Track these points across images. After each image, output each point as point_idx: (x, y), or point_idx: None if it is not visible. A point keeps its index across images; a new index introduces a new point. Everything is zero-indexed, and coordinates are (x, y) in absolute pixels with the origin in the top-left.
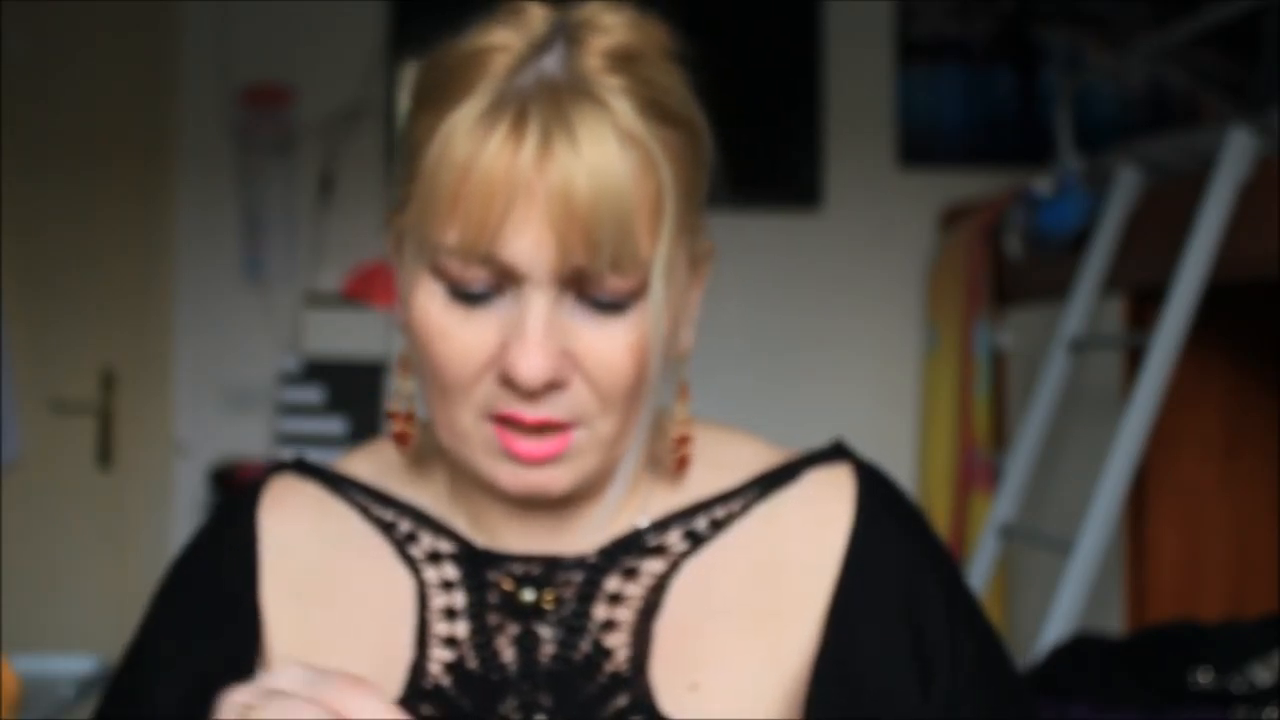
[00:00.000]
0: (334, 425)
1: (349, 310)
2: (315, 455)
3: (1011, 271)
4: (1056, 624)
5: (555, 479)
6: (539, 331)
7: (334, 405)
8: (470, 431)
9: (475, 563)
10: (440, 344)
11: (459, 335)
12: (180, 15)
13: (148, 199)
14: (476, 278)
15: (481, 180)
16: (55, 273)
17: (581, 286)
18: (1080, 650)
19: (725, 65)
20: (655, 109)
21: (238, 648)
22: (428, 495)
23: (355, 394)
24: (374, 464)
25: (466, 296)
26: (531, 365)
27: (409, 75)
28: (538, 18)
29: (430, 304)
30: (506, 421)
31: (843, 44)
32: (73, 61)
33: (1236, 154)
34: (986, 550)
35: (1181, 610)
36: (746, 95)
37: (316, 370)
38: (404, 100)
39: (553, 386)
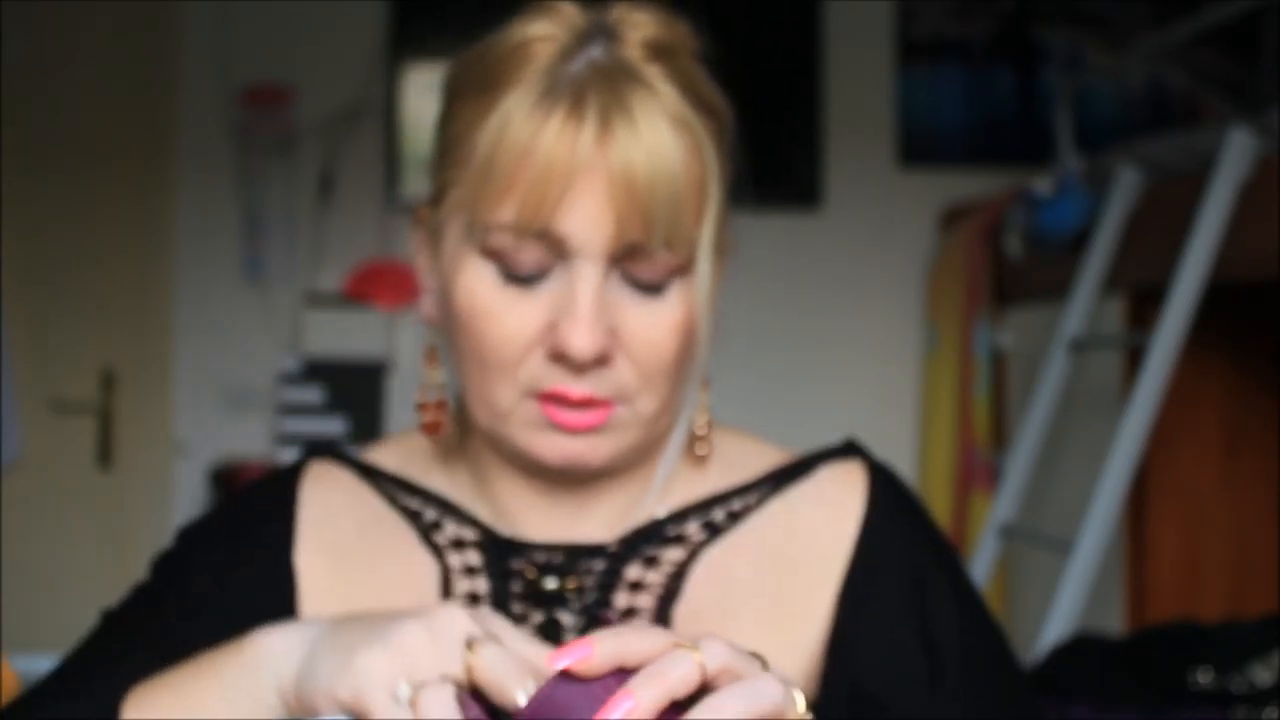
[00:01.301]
0: (334, 425)
1: (349, 310)
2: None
3: (1011, 271)
4: (1056, 624)
5: (595, 449)
6: (591, 306)
7: (334, 405)
8: (512, 409)
9: (498, 551)
10: (488, 323)
11: (508, 314)
12: (180, 15)
13: (148, 199)
14: (530, 256)
15: (543, 160)
16: (55, 273)
17: (629, 265)
18: (1080, 650)
19: (725, 65)
20: (695, 97)
21: (274, 601)
22: (451, 485)
23: (355, 394)
24: (399, 455)
25: (518, 279)
26: (583, 339)
27: (420, 76)
28: (573, 13)
29: (479, 285)
30: (551, 398)
31: (843, 44)
32: (73, 61)
33: (1236, 154)
34: (986, 550)
35: (1181, 610)
36: (746, 95)
37: (316, 370)
38: (415, 100)
39: (600, 362)
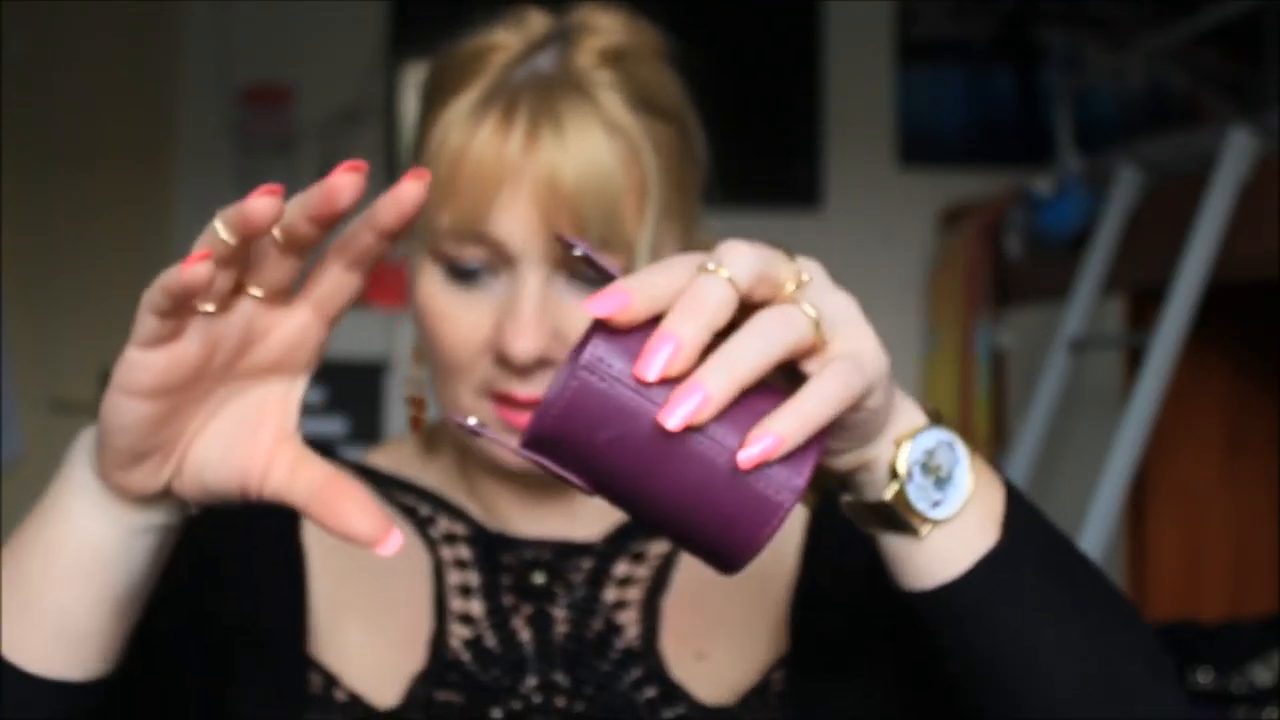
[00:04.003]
0: (334, 425)
1: (349, 310)
2: None
3: (1011, 271)
4: None
5: None
6: (531, 310)
7: (334, 405)
8: (471, 410)
9: (488, 546)
10: (440, 325)
11: (457, 316)
12: (180, 15)
13: (147, 199)
14: (472, 260)
15: (473, 165)
16: (55, 273)
17: (572, 267)
18: None
19: (725, 65)
20: (644, 103)
21: (285, 575)
22: (443, 482)
23: (355, 394)
24: (394, 457)
25: (462, 275)
26: (523, 341)
27: (419, 76)
28: (538, 21)
29: (430, 287)
30: (503, 399)
31: (843, 44)
32: (73, 61)
33: (1236, 154)
34: None
35: (1181, 610)
36: (746, 95)
37: (317, 370)
38: (414, 100)
39: (544, 364)
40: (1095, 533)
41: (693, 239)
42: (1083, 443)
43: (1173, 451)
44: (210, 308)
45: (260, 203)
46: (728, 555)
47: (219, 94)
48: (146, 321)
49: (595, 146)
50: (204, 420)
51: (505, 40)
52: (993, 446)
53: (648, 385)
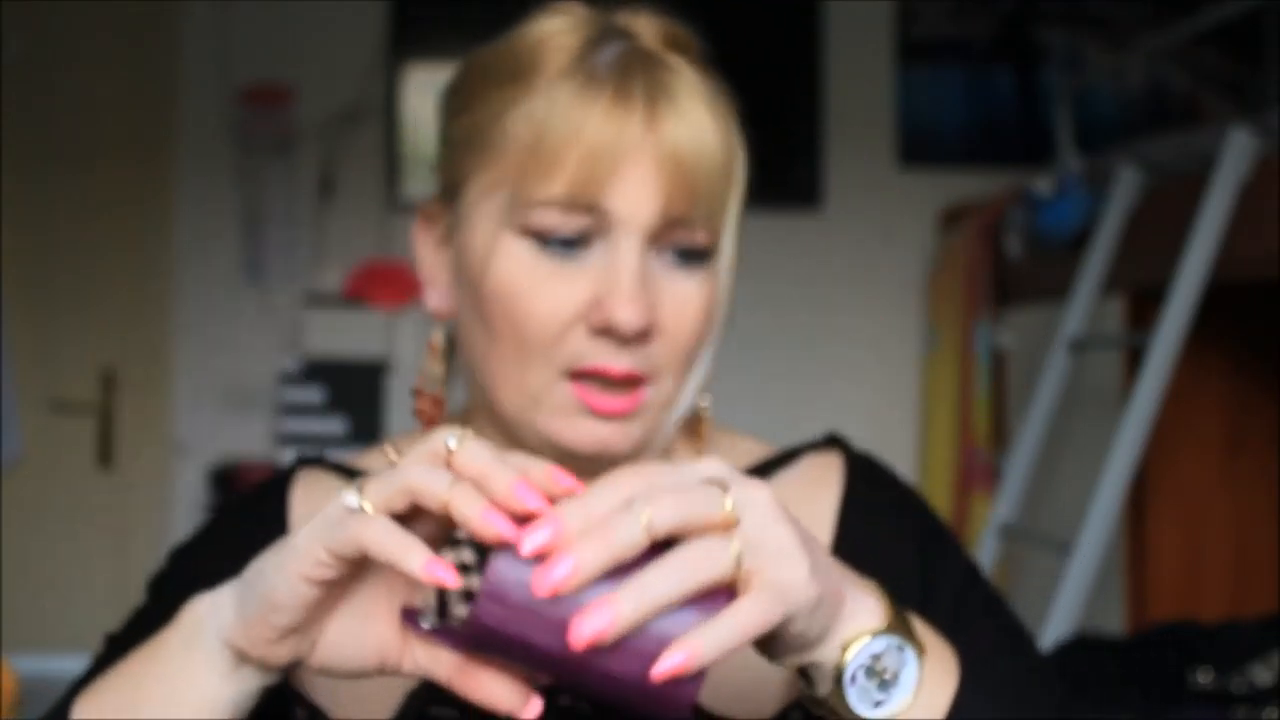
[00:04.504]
0: (334, 425)
1: (349, 310)
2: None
3: (1011, 271)
4: (1056, 624)
5: (626, 435)
6: (637, 278)
7: (334, 405)
8: (543, 392)
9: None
10: (530, 301)
11: (552, 289)
12: (180, 15)
13: (148, 199)
14: (572, 232)
15: (592, 139)
16: (55, 273)
17: (666, 240)
18: (1080, 650)
19: (725, 65)
20: (715, 85)
21: None
22: None
23: (355, 394)
24: (386, 460)
25: (563, 244)
26: (631, 311)
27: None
28: (585, 13)
29: (515, 264)
30: (591, 376)
31: (843, 44)
32: (73, 61)
33: (1236, 154)
34: (986, 550)
35: (1181, 610)
36: (746, 95)
37: (316, 370)
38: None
39: (642, 337)
40: (1095, 533)
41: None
42: (1083, 443)
43: (1173, 451)
44: None
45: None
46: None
47: (219, 94)
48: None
49: (706, 123)
50: (341, 598)
51: (568, 27)
52: (993, 446)
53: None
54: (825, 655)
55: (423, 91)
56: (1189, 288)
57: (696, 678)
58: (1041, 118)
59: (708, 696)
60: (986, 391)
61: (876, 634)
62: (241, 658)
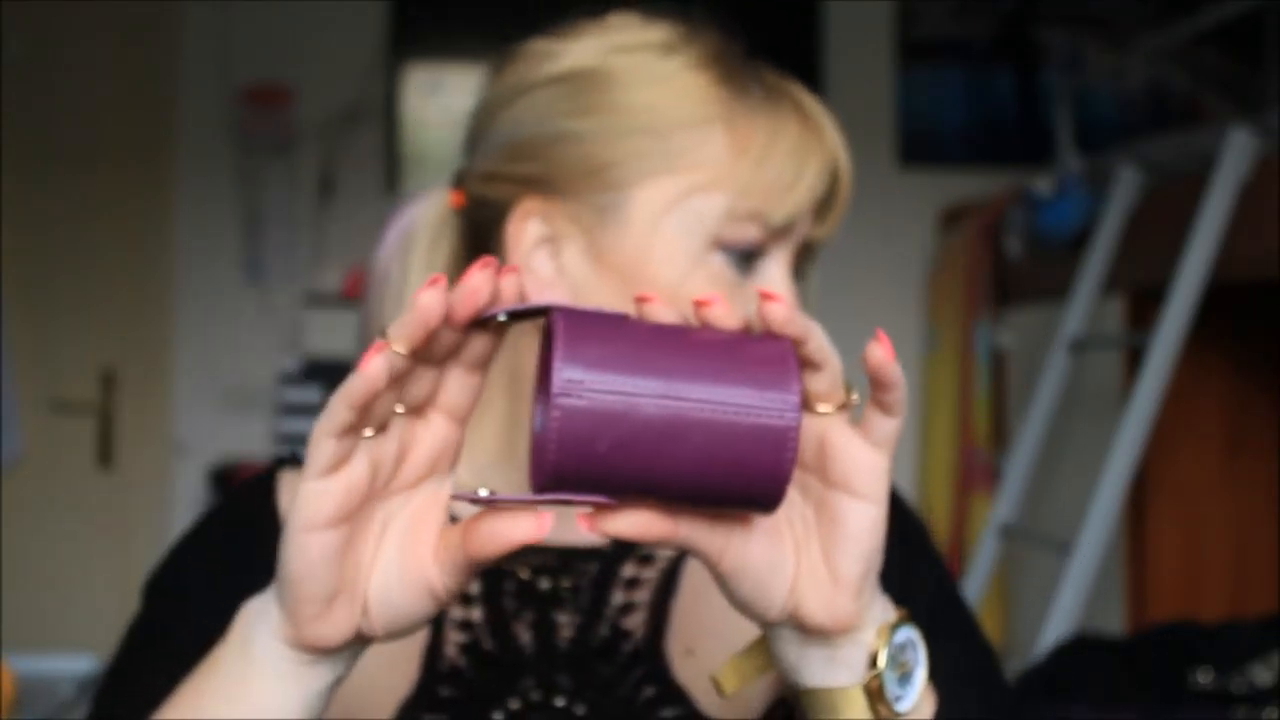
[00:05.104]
0: None
1: (349, 310)
2: None
3: (1011, 271)
4: (1056, 624)
5: None
6: (790, 287)
7: None
8: None
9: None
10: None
11: (743, 304)
12: (180, 15)
13: (148, 199)
14: (753, 238)
15: (786, 149)
16: (55, 273)
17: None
18: (1080, 650)
19: None
20: None
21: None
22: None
23: None
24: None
25: (747, 258)
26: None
27: (420, 76)
28: (653, 23)
29: (714, 279)
30: None
31: (843, 44)
32: (73, 61)
33: (1236, 154)
34: (986, 550)
35: (1181, 610)
36: None
37: (316, 370)
38: (415, 99)
39: None
40: (1095, 533)
41: None
42: (1083, 443)
43: (1173, 451)
44: (370, 433)
45: (430, 297)
46: (762, 497)
47: (219, 94)
48: (324, 447)
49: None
50: (374, 550)
51: (684, 36)
52: (993, 446)
53: (624, 381)
54: (862, 638)
55: (423, 91)
56: (1189, 288)
57: (781, 397)
58: (1041, 118)
59: (697, 692)
60: (986, 391)
61: (901, 624)
62: (301, 650)
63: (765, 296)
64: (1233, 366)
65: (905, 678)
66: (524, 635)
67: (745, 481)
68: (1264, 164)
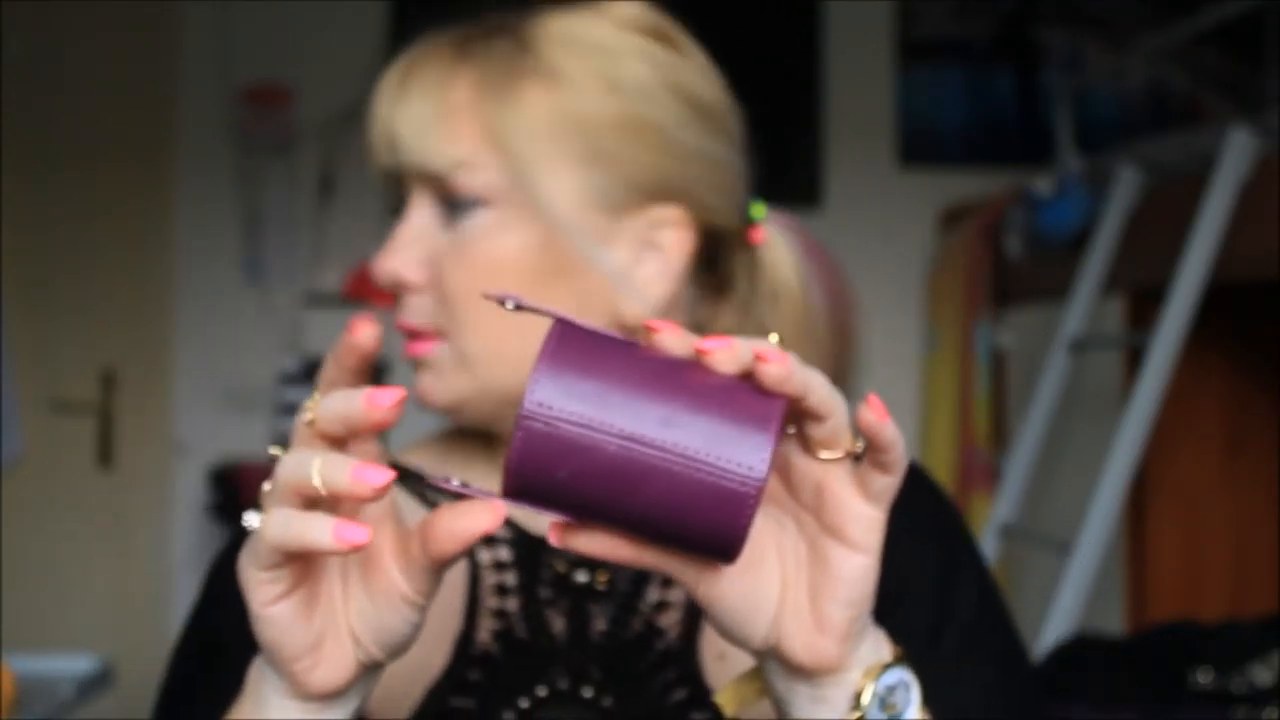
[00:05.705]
0: None
1: (349, 310)
2: None
3: (1011, 271)
4: (1056, 624)
5: (429, 387)
6: (401, 234)
7: None
8: None
9: (529, 548)
10: None
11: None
12: (180, 15)
13: (148, 199)
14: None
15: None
16: (55, 273)
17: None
18: (1080, 650)
19: (725, 65)
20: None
21: None
22: (488, 480)
23: None
24: (434, 453)
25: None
26: (378, 264)
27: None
28: None
29: None
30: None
31: (843, 44)
32: (73, 62)
33: (1236, 154)
34: (986, 550)
35: (1181, 610)
36: (746, 95)
37: (316, 370)
38: None
39: (402, 288)
40: (1095, 533)
41: (640, 216)
42: (1083, 443)
43: (1173, 451)
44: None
45: (363, 332)
46: (717, 552)
47: (219, 94)
48: (251, 575)
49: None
50: (341, 585)
51: None
52: (993, 446)
53: (592, 417)
54: (848, 677)
55: None
56: (1189, 288)
57: (751, 464)
58: (1041, 118)
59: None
60: (986, 391)
61: (892, 665)
62: (310, 700)
63: (759, 357)
64: (1233, 366)
65: None
66: (557, 624)
67: (701, 534)
68: (1264, 164)
